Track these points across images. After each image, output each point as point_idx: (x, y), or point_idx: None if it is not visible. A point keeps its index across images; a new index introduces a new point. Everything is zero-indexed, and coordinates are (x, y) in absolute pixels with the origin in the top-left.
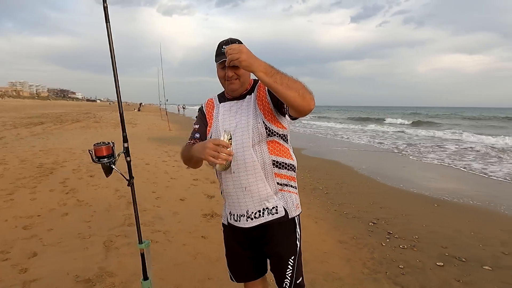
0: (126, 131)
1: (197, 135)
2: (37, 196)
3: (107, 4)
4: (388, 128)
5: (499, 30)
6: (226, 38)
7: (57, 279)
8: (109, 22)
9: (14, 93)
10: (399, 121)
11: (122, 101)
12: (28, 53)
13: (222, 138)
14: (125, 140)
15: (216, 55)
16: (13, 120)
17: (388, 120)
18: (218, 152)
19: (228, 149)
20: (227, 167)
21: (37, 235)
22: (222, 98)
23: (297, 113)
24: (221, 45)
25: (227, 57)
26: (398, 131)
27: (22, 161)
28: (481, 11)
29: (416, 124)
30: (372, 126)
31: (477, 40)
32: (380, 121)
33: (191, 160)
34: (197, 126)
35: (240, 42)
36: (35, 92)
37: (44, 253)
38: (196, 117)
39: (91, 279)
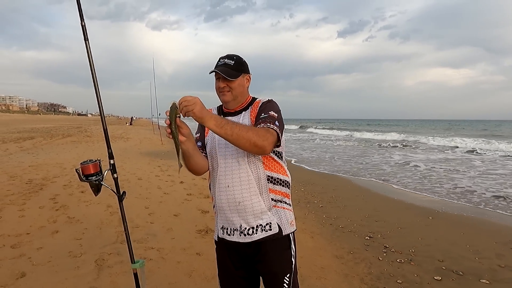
0: (119, 146)
1: (199, 144)
2: (26, 213)
3: (85, 23)
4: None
5: (483, 45)
6: (225, 54)
7: None
8: (87, 40)
9: (4, 108)
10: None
11: (114, 115)
12: (18, 68)
13: None
14: (110, 156)
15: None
16: (2, 135)
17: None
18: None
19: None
20: (179, 146)
21: (25, 254)
22: (220, 111)
23: None
24: (219, 59)
25: (183, 108)
26: None
27: (10, 177)
28: (465, 27)
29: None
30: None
31: (462, 55)
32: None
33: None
34: (198, 135)
35: (239, 58)
36: (25, 106)
37: (33, 273)
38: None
39: None
